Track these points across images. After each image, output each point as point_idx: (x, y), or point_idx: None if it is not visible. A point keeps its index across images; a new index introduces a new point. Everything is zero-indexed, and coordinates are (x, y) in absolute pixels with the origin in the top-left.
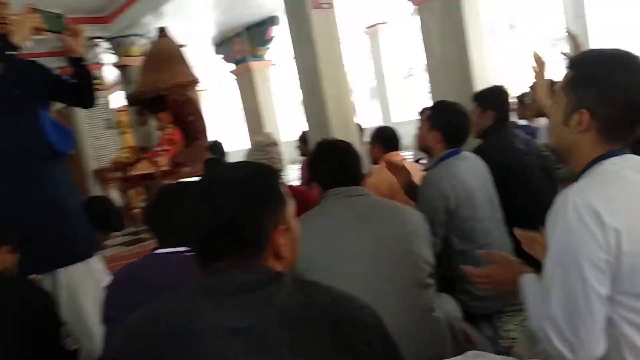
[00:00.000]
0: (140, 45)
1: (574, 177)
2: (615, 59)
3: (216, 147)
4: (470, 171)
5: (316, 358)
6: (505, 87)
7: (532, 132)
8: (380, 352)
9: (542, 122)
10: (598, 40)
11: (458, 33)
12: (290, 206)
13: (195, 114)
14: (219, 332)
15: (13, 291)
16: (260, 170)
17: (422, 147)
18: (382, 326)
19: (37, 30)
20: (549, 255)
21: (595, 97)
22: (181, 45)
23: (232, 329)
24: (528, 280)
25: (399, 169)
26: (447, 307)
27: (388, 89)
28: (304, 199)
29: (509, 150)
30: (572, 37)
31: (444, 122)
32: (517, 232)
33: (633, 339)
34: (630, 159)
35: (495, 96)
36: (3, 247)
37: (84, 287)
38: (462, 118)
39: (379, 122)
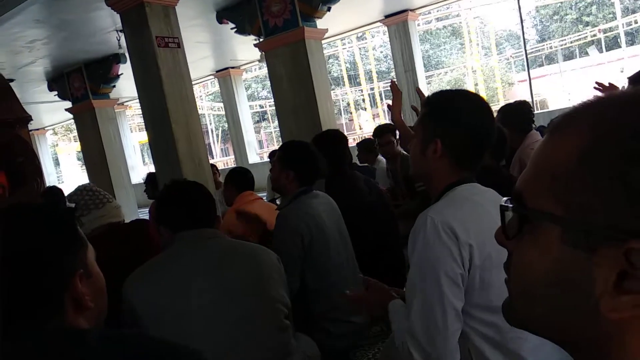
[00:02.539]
0: None
1: (411, 214)
2: (462, 97)
3: (53, 192)
4: (323, 208)
5: None
6: (339, 132)
7: (370, 173)
8: None
9: (381, 164)
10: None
11: (305, 79)
12: (90, 251)
13: (26, 155)
14: None
15: None
16: (56, 210)
17: (276, 187)
18: None
19: None
20: (411, 270)
21: (445, 129)
22: (10, 80)
23: None
24: (395, 305)
25: (251, 220)
26: (305, 347)
27: (244, 130)
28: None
29: (353, 193)
30: (420, 93)
31: (295, 162)
32: (346, 296)
33: (482, 349)
34: (476, 187)
35: (329, 144)
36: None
37: None
38: (312, 156)
39: (234, 164)
